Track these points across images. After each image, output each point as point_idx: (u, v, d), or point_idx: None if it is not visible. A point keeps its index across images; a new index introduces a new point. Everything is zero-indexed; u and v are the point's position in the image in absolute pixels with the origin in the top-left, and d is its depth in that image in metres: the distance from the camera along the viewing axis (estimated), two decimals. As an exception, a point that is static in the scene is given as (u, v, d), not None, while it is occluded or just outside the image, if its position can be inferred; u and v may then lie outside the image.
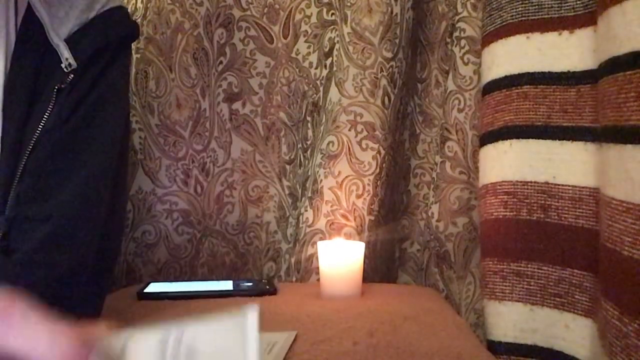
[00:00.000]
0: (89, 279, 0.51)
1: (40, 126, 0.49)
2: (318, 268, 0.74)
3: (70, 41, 0.51)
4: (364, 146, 0.80)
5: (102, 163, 0.52)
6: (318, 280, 0.74)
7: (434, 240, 0.81)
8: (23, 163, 0.48)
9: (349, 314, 0.61)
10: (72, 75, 0.50)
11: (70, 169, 0.50)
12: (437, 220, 0.81)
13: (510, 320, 0.62)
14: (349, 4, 0.80)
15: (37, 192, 0.48)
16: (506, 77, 0.63)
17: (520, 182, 0.61)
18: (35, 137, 0.49)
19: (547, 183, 0.59)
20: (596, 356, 0.54)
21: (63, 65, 0.50)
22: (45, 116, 0.49)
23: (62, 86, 0.50)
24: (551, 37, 0.60)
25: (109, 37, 0.53)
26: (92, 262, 0.51)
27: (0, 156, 0.49)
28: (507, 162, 0.63)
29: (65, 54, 0.50)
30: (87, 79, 0.51)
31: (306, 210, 0.81)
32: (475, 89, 0.78)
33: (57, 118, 0.49)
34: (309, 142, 0.88)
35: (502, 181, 0.63)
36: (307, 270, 0.80)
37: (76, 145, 0.51)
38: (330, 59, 0.85)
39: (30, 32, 0.51)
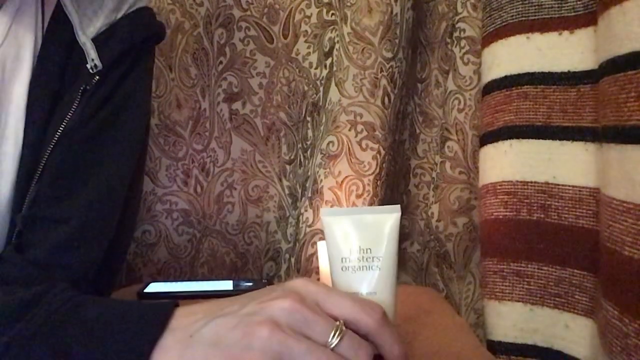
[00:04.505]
0: (96, 279, 0.51)
1: (62, 126, 0.49)
2: (318, 268, 0.74)
3: (97, 41, 0.50)
4: (364, 146, 0.80)
5: (121, 166, 0.53)
6: (318, 280, 0.74)
7: (434, 240, 0.81)
8: (43, 162, 0.48)
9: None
10: (97, 77, 0.50)
11: (89, 170, 0.50)
12: (437, 220, 0.81)
13: (510, 320, 0.62)
14: (349, 4, 0.80)
15: (55, 192, 0.49)
16: (506, 77, 0.63)
17: (520, 182, 0.61)
18: (57, 137, 0.49)
19: (547, 183, 0.59)
20: (596, 356, 0.54)
21: (89, 66, 0.50)
22: (67, 116, 0.49)
23: (87, 87, 0.50)
24: (551, 37, 0.60)
25: (135, 39, 0.53)
26: (100, 263, 0.51)
27: (21, 154, 0.49)
28: (507, 162, 0.63)
29: (92, 54, 0.50)
30: (111, 81, 0.51)
31: (306, 210, 0.81)
32: (475, 89, 0.78)
33: (79, 119, 0.49)
34: (309, 142, 0.88)
35: (502, 181, 0.63)
36: (307, 270, 0.80)
37: (96, 147, 0.51)
38: (330, 59, 0.85)
39: (58, 31, 0.51)
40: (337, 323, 0.35)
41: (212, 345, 0.34)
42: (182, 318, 0.36)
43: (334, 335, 0.34)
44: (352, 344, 0.35)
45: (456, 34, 0.80)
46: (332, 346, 0.34)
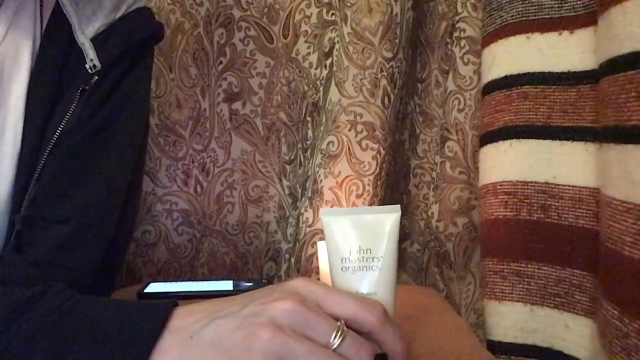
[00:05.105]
0: (96, 280, 0.51)
1: (60, 126, 0.49)
2: (318, 268, 0.74)
3: (95, 41, 0.50)
4: (364, 146, 0.80)
5: (120, 166, 0.53)
6: (318, 280, 0.74)
7: (434, 240, 0.81)
8: (42, 162, 0.48)
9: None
10: (96, 77, 0.50)
11: (88, 171, 0.50)
12: (437, 220, 0.80)
13: (510, 320, 0.62)
14: (349, 4, 0.80)
15: (54, 192, 0.48)
16: (506, 77, 0.63)
17: (520, 182, 0.61)
18: (55, 137, 0.48)
19: (547, 183, 0.59)
20: (596, 356, 0.54)
21: (87, 67, 0.49)
22: (66, 116, 0.49)
23: (86, 87, 0.50)
24: (551, 37, 0.60)
25: (134, 39, 0.53)
26: (100, 263, 0.51)
27: (20, 155, 0.49)
28: (507, 162, 0.63)
29: (91, 54, 0.50)
30: (110, 81, 0.51)
31: (306, 210, 0.81)
32: (475, 89, 0.78)
33: (78, 119, 0.49)
34: (309, 142, 0.88)
35: (502, 181, 0.63)
36: (307, 270, 0.80)
37: (96, 147, 0.51)
38: (330, 59, 0.85)
39: (56, 31, 0.51)
40: (339, 323, 0.35)
41: (212, 347, 0.34)
42: (181, 318, 0.36)
43: (335, 336, 0.34)
44: (353, 344, 0.35)
45: (456, 34, 0.80)
46: (333, 347, 0.34)
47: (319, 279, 0.73)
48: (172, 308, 0.36)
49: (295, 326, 0.34)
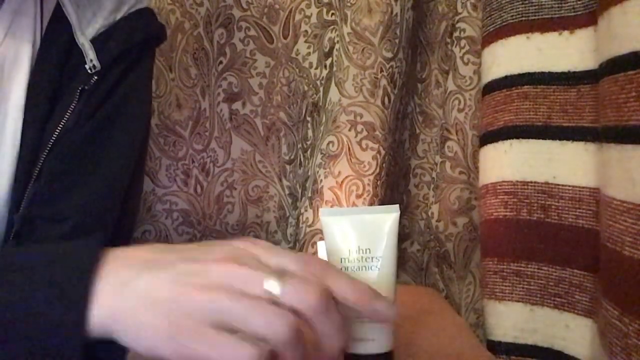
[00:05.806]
0: None
1: (60, 126, 0.49)
2: (318, 268, 0.74)
3: (96, 42, 0.50)
4: (364, 146, 0.80)
5: (120, 166, 0.53)
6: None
7: (434, 240, 0.81)
8: (41, 162, 0.48)
9: (349, 314, 0.60)
10: (95, 77, 0.50)
11: (88, 170, 0.50)
12: (437, 220, 0.81)
13: (510, 320, 0.62)
14: (349, 4, 0.80)
15: (53, 192, 0.48)
16: (506, 77, 0.63)
17: (520, 182, 0.61)
18: (55, 137, 0.49)
19: (547, 183, 0.59)
20: (596, 356, 0.54)
21: (87, 67, 0.50)
22: (66, 116, 0.49)
23: (85, 87, 0.50)
24: (551, 37, 0.60)
25: (135, 40, 0.53)
26: None
27: (19, 154, 0.49)
28: (507, 162, 0.63)
29: (90, 55, 0.50)
30: (110, 81, 0.51)
31: (306, 210, 0.81)
32: (475, 89, 0.78)
33: (78, 119, 0.49)
34: (309, 142, 0.88)
35: (502, 181, 0.63)
36: (307, 270, 0.80)
37: (95, 147, 0.51)
38: (330, 59, 0.85)
39: (56, 32, 0.51)
40: (278, 272, 0.34)
41: (145, 298, 0.33)
42: (114, 262, 0.34)
43: (274, 286, 0.33)
44: (296, 290, 0.33)
45: (456, 34, 0.80)
46: (275, 297, 0.33)
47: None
48: (101, 251, 0.35)
49: (232, 285, 0.33)
